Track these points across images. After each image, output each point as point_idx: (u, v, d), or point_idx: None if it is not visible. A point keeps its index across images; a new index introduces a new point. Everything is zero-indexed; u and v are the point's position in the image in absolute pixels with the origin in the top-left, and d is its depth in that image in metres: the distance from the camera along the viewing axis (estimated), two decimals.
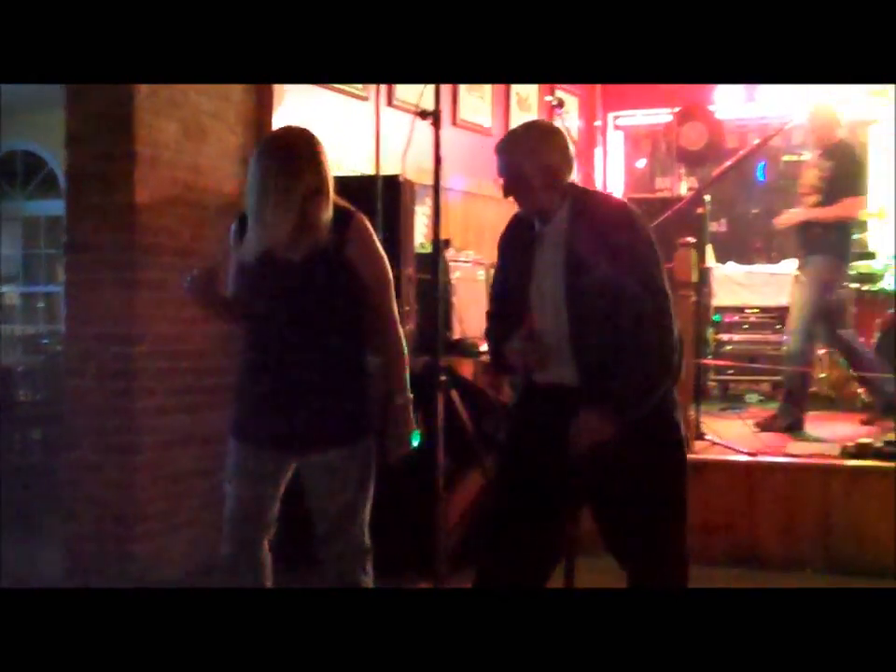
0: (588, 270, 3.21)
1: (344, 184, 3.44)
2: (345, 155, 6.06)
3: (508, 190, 3.38)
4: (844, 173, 6.50)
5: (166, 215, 4.95)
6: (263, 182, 3.30)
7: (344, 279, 3.38)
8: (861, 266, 8.21)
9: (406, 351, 3.53)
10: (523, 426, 3.50)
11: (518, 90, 8.73)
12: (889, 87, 9.31)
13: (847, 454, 5.54)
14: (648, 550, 3.31)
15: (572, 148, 3.41)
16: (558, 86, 8.71)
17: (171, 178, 4.98)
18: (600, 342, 3.22)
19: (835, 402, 7.61)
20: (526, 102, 8.96)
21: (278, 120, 5.53)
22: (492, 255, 7.25)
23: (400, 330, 3.52)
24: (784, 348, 6.58)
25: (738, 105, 9.56)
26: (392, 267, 3.56)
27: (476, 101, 8.07)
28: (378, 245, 3.49)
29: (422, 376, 4.13)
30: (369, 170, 5.60)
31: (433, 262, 4.50)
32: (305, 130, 3.44)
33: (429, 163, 4.90)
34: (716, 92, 9.57)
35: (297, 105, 5.67)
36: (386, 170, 5.34)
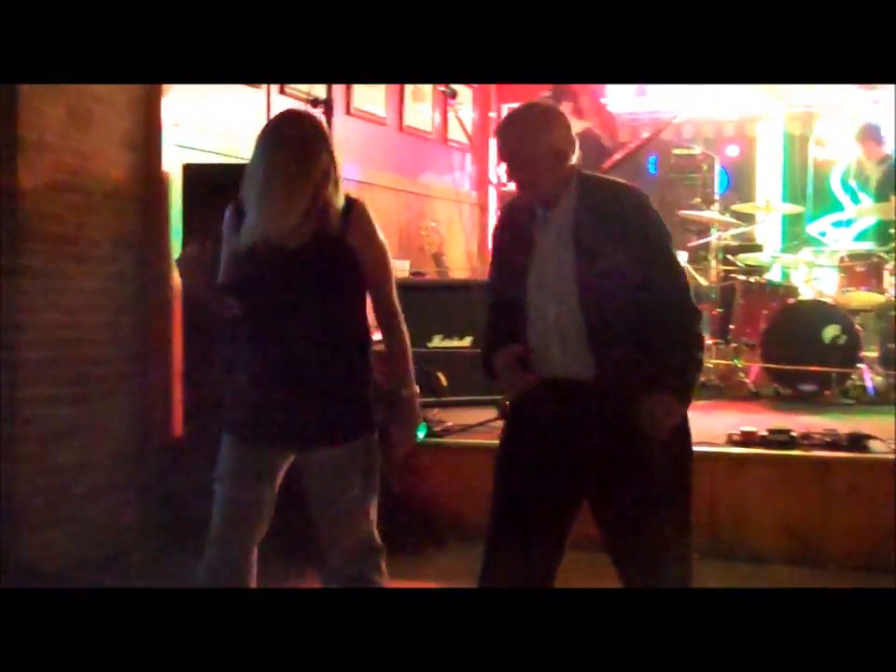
0: (603, 256, 3.10)
1: (236, 172, 3.36)
2: (237, 143, 6.00)
3: (512, 175, 3.25)
4: None
5: (52, 201, 4.83)
6: (273, 167, 3.16)
7: (346, 268, 3.25)
8: (748, 258, 8.38)
9: (409, 342, 3.40)
10: (527, 424, 3.30)
11: None
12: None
13: (732, 441, 5.65)
14: (652, 548, 3.17)
15: (573, 131, 3.28)
16: None
17: (56, 164, 4.87)
18: (621, 332, 3.11)
19: (723, 391, 7.75)
20: (421, 92, 8.96)
21: (168, 106, 5.44)
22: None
23: (403, 322, 3.39)
24: None
25: (630, 99, 9.69)
26: None
27: (370, 90, 8.04)
28: (380, 233, 3.35)
29: None
30: None
31: None
32: (311, 113, 3.34)
33: None
34: (608, 86, 9.66)
35: (187, 91, 5.59)
36: None
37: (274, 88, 6.24)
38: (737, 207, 8.62)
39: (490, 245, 3.52)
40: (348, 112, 7.72)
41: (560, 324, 3.17)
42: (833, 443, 5.52)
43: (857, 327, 7.33)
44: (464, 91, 9.33)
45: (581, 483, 3.22)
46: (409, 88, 8.74)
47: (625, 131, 9.74)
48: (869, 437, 5.56)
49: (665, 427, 3.12)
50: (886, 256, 7.52)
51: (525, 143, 3.20)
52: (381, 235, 3.35)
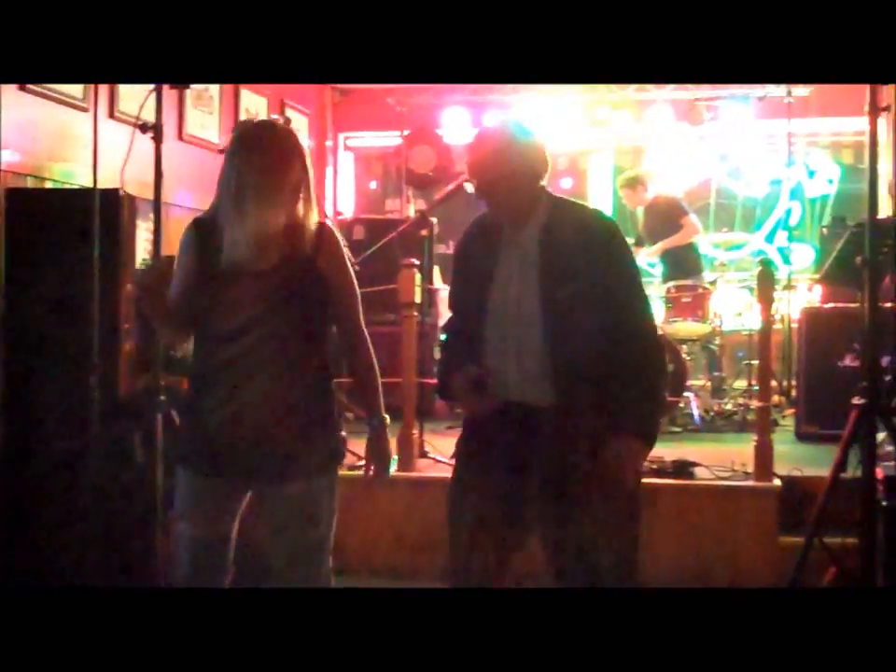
0: (568, 280, 3.05)
1: (63, 198, 3.26)
2: (65, 167, 5.85)
3: (483, 192, 3.18)
4: None
5: None
6: (246, 178, 2.97)
7: (316, 293, 3.08)
8: None
9: (377, 370, 3.22)
10: (480, 449, 3.24)
11: (247, 105, 8.65)
12: (611, 117, 9.73)
13: None
14: (596, 575, 3.14)
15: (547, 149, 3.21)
16: (288, 104, 8.70)
17: None
18: (581, 360, 3.04)
19: None
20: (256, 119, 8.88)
21: None
22: None
23: (371, 350, 3.22)
24: None
25: (466, 130, 9.76)
26: (111, 285, 3.35)
27: (203, 116, 7.93)
28: (346, 255, 3.20)
29: (140, 396, 4.00)
30: (88, 183, 5.41)
31: None
32: (281, 123, 3.15)
33: (152, 178, 4.78)
34: (444, 117, 9.76)
35: (11, 113, 5.41)
36: (107, 184, 5.17)
37: (102, 111, 6.10)
38: None
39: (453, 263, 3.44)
40: (180, 138, 7.58)
41: (520, 347, 3.11)
42: (660, 470, 5.63)
43: (684, 356, 7.52)
44: (300, 119, 9.30)
45: (531, 507, 3.16)
46: (243, 114, 8.64)
47: (462, 161, 9.83)
48: (694, 464, 5.71)
49: (631, 471, 3.13)
50: (710, 287, 7.75)
51: (500, 160, 3.15)
52: (347, 257, 3.22)
